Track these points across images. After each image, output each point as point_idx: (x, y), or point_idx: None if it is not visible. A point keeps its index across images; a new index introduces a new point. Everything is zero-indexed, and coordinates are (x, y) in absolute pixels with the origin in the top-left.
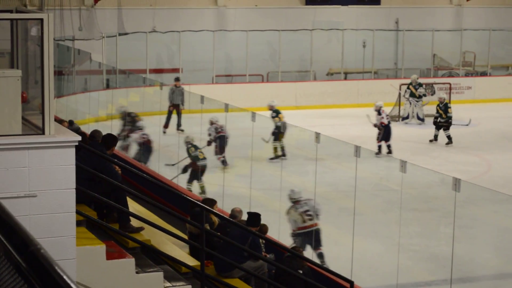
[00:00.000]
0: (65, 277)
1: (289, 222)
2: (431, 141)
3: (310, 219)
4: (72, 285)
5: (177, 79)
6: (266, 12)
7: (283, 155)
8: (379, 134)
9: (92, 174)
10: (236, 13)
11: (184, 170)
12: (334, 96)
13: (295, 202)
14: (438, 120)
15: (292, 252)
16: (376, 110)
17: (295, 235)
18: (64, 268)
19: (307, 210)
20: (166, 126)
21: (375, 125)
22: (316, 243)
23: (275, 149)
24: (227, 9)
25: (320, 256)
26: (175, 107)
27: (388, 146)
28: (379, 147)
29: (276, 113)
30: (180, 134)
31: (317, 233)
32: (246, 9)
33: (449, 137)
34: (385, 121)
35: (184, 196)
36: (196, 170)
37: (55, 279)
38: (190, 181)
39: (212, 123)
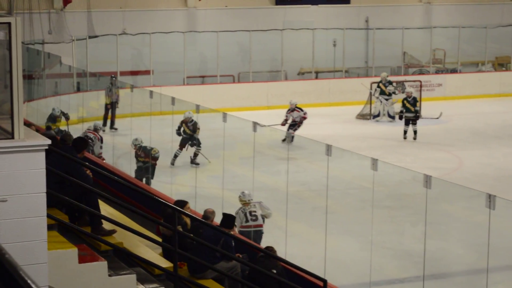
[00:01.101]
0: (29, 281)
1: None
2: (405, 138)
3: (254, 220)
4: None
5: (113, 77)
6: (236, 12)
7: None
8: (298, 126)
9: (63, 178)
10: (206, 14)
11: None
12: (306, 95)
13: (244, 204)
14: (405, 115)
15: (265, 252)
16: (293, 109)
17: (240, 232)
18: (35, 273)
19: (253, 211)
20: (104, 124)
21: (285, 122)
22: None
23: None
24: (197, 10)
25: None
26: (111, 106)
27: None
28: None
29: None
30: (113, 132)
31: (258, 234)
32: (216, 10)
33: (415, 132)
34: (307, 115)
35: (156, 198)
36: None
37: (20, 284)
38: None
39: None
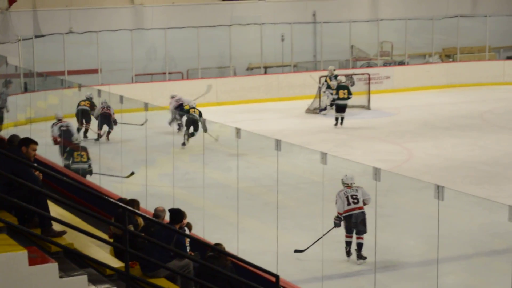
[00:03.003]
0: None
1: (336, 204)
2: (335, 125)
3: (355, 203)
4: None
5: (8, 82)
6: (184, 9)
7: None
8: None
9: (11, 180)
10: (153, 11)
11: None
12: (255, 90)
13: (347, 186)
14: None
15: (215, 249)
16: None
17: (339, 218)
18: None
19: (355, 195)
20: None
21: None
22: (361, 229)
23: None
24: (144, 7)
25: (359, 246)
26: None
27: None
28: None
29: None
30: None
31: (361, 216)
32: (163, 6)
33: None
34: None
35: (106, 197)
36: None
37: None
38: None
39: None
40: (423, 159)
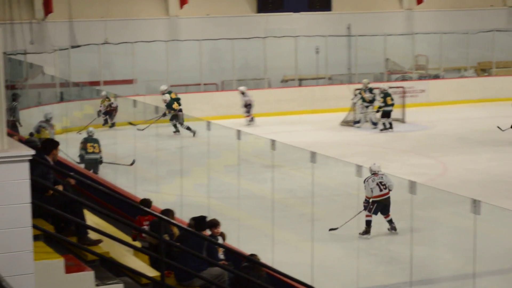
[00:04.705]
0: None
1: (365, 190)
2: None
3: (385, 189)
4: None
5: (17, 96)
6: (218, 21)
7: None
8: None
9: (46, 187)
10: (188, 22)
11: None
12: (289, 102)
13: (374, 174)
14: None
15: (250, 260)
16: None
17: (367, 202)
18: (22, 283)
19: (383, 182)
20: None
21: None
22: (387, 210)
23: None
24: (179, 19)
25: (390, 221)
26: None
27: None
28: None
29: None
30: None
31: (389, 200)
32: (198, 18)
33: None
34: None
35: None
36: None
37: None
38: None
39: None
40: (458, 173)
